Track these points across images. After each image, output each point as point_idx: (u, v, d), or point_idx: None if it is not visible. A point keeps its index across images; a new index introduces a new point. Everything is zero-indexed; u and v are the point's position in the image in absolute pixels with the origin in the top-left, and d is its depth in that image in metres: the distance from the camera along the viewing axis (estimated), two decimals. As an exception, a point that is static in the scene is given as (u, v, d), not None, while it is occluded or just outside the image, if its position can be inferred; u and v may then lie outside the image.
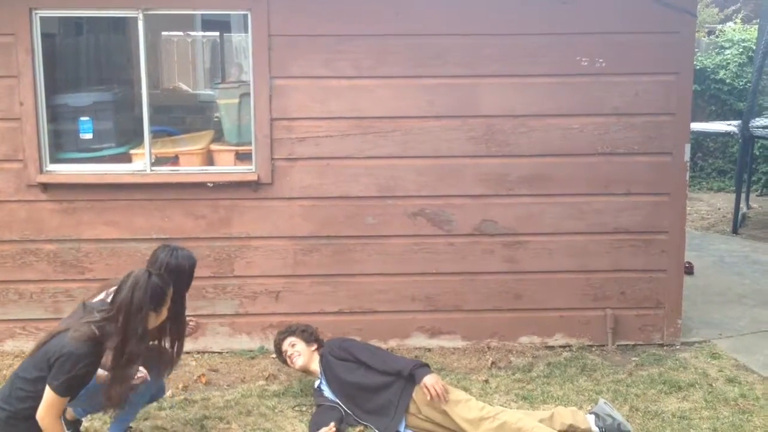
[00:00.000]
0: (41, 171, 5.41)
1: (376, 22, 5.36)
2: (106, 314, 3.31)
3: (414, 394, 4.41)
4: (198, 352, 5.60)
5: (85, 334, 3.20)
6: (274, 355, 5.50)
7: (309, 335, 4.92)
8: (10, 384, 3.35)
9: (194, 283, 4.31)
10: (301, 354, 4.82)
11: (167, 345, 4.01)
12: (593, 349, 5.70)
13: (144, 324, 3.31)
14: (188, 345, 5.55)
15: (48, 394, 3.18)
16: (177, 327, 4.08)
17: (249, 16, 5.33)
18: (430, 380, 4.34)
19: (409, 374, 4.41)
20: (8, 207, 5.45)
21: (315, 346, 4.88)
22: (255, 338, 5.66)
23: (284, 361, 4.96)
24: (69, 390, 3.20)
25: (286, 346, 4.89)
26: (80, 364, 3.16)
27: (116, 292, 3.38)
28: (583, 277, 5.70)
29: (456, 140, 5.49)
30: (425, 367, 4.47)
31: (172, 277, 3.91)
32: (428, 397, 4.31)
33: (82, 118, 5.65)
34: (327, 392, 4.66)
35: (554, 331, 5.75)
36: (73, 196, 5.45)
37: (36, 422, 3.22)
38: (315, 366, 4.78)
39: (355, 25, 5.36)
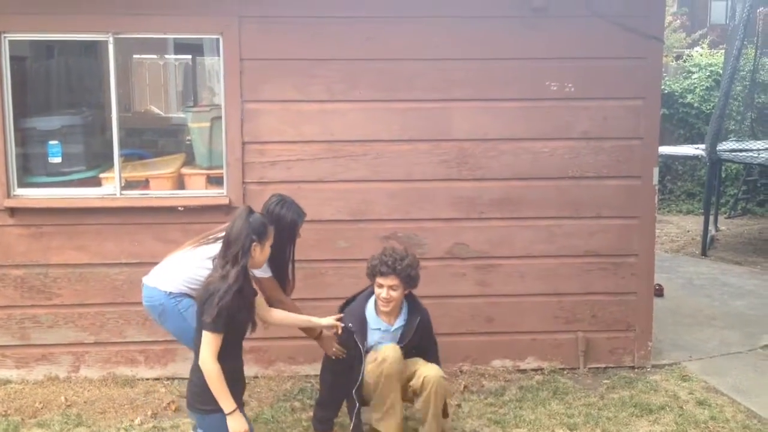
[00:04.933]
0: (9, 195, 5.35)
1: (348, 46, 5.39)
2: (220, 254, 3.61)
3: None
4: (167, 378, 5.54)
5: (216, 276, 3.51)
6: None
7: (411, 283, 4.42)
8: (195, 355, 3.57)
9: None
10: (393, 301, 4.37)
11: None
12: (565, 372, 5.72)
13: (248, 251, 3.58)
14: (157, 371, 5.53)
15: (203, 336, 3.39)
16: (278, 276, 4.42)
17: (220, 41, 5.34)
18: None
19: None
20: (-26, 232, 5.38)
21: (406, 293, 4.49)
22: (226, 363, 5.60)
23: (375, 275, 4.36)
24: (217, 324, 3.38)
25: (388, 281, 4.32)
26: (223, 298, 3.39)
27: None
28: (554, 300, 5.72)
29: (428, 164, 5.52)
30: None
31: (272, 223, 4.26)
32: None
33: (51, 142, 5.60)
34: (379, 338, 4.41)
35: (526, 355, 5.76)
36: (42, 220, 5.39)
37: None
38: (395, 312, 4.46)
39: (326, 50, 5.38)
